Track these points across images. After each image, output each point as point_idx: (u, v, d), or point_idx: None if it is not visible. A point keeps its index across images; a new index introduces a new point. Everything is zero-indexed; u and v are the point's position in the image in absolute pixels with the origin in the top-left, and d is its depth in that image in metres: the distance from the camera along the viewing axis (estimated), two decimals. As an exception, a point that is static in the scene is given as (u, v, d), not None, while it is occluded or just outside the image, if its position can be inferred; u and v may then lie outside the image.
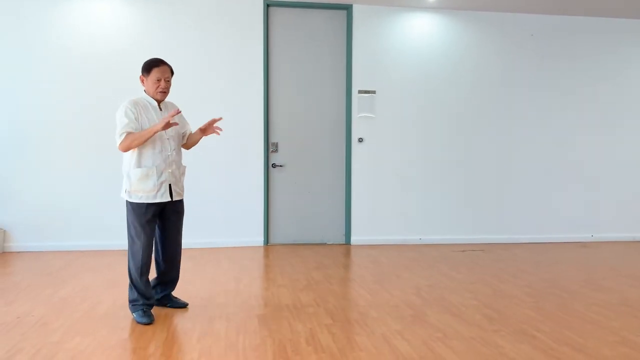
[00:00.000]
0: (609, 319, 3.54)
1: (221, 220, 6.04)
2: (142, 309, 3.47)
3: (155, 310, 3.65)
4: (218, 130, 3.73)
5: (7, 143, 5.71)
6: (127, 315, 3.55)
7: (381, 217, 6.33)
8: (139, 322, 3.42)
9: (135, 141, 3.39)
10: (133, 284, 3.53)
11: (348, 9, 6.23)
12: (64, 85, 5.76)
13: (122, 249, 5.47)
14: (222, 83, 6.01)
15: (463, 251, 5.93)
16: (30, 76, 5.71)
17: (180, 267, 3.87)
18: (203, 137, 3.80)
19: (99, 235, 5.80)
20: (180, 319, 3.50)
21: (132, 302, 3.52)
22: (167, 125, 3.36)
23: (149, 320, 3.42)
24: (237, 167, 6.06)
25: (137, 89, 5.85)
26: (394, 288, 4.31)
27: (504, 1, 6.08)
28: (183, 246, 5.80)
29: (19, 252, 5.69)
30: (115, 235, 5.65)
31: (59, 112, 5.75)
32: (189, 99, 5.88)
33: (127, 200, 3.52)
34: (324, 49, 6.28)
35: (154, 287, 3.77)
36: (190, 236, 5.95)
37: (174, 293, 3.93)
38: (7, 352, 2.90)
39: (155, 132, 3.38)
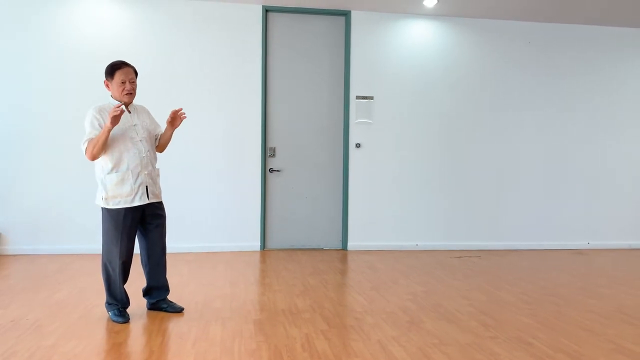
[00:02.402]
0: (604, 327, 3.55)
1: (218, 225, 6.03)
2: (118, 309, 3.54)
3: (150, 315, 3.65)
4: (183, 116, 3.70)
5: (2, 146, 5.70)
6: (122, 319, 3.55)
7: (378, 222, 6.33)
8: (114, 321, 3.48)
9: (95, 147, 3.34)
10: (110, 291, 3.54)
11: (346, 15, 6.25)
12: (60, 87, 5.76)
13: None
14: (220, 87, 6.01)
15: (459, 257, 5.94)
16: (26, 78, 5.71)
17: (169, 271, 3.86)
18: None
19: (94, 239, 5.78)
20: (175, 323, 3.49)
21: (110, 303, 3.57)
22: (114, 118, 3.26)
23: (124, 320, 3.48)
24: (234, 171, 6.06)
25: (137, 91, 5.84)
26: (390, 294, 4.30)
27: (502, 9, 6.11)
28: (180, 250, 5.87)
29: (14, 255, 5.67)
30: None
31: (55, 115, 5.75)
32: (187, 103, 5.89)
33: (103, 208, 3.49)
34: (322, 55, 6.30)
35: (146, 293, 3.78)
36: (187, 240, 5.96)
37: (170, 298, 3.93)
38: (0, 355, 2.89)
39: (108, 131, 3.31)
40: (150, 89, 5.74)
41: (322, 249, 6.30)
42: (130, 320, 3.51)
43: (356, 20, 6.23)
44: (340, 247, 6.37)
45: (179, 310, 3.75)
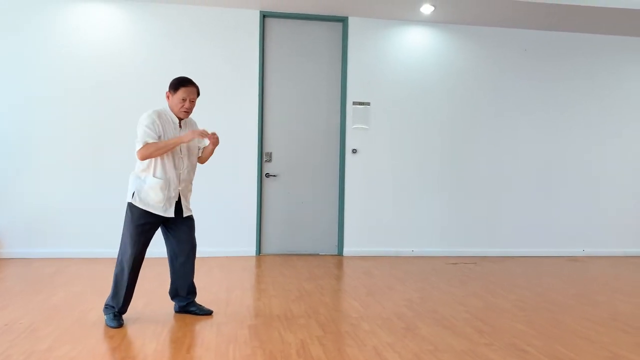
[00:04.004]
0: (599, 334, 3.55)
1: (213, 230, 6.02)
2: (114, 313, 3.53)
3: (145, 319, 3.64)
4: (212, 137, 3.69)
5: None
6: (117, 324, 3.54)
7: (374, 228, 6.33)
8: (107, 325, 3.47)
9: (159, 150, 3.44)
10: (116, 292, 3.54)
11: (344, 21, 6.27)
12: (56, 91, 5.75)
13: (114, 257, 5.42)
14: (217, 92, 6.01)
15: (455, 264, 5.94)
16: (25, 81, 5.70)
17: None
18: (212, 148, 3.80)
19: (90, 243, 5.77)
20: (170, 329, 3.48)
21: (107, 306, 3.56)
22: (202, 135, 3.51)
23: (117, 324, 3.46)
24: (231, 176, 6.06)
25: (133, 94, 5.88)
26: (386, 300, 4.30)
27: (498, 16, 6.14)
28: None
29: (9, 258, 5.65)
30: (107, 243, 5.60)
31: (53, 118, 5.74)
32: (184, 107, 5.90)
33: (130, 204, 3.51)
34: (320, 61, 6.31)
35: (175, 295, 3.80)
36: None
37: (164, 302, 3.91)
38: (-5, 360, 2.88)
39: (180, 143, 3.47)
40: (147, 93, 5.74)
41: (318, 255, 6.29)
42: (123, 325, 3.50)
43: (353, 27, 6.25)
44: (336, 252, 6.36)
45: (208, 313, 3.77)
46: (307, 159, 6.30)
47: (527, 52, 6.59)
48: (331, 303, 4.19)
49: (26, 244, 5.71)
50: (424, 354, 3.10)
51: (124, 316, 3.62)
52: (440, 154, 6.46)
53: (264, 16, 6.14)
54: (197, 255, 5.84)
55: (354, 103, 6.28)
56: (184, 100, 3.55)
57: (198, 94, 3.66)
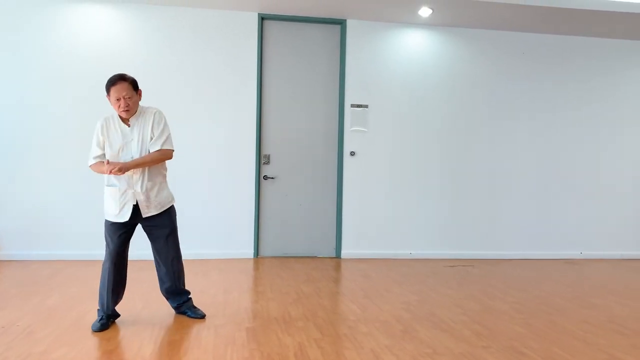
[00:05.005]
0: (597, 336, 3.56)
1: (211, 232, 6.02)
2: (100, 317, 3.54)
3: (142, 321, 3.64)
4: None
5: (-3, 150, 5.68)
6: (114, 326, 3.53)
7: (372, 231, 6.33)
8: (92, 327, 3.47)
9: (98, 172, 3.54)
10: (99, 292, 3.58)
11: (342, 23, 6.28)
12: (53, 94, 5.74)
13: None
14: (215, 94, 6.02)
15: (453, 266, 5.94)
16: (23, 83, 5.69)
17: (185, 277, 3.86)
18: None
19: (88, 245, 5.75)
20: (167, 331, 3.47)
21: (98, 308, 3.60)
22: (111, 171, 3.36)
23: (97, 329, 3.42)
24: (229, 178, 6.06)
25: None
26: (384, 303, 4.30)
27: (496, 19, 6.16)
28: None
29: (6, 260, 5.63)
30: (104, 245, 5.58)
31: (50, 119, 5.73)
32: (183, 109, 5.89)
33: None
34: (318, 63, 6.32)
35: (167, 298, 3.83)
36: (180, 247, 5.92)
37: (162, 304, 3.91)
38: (-9, 362, 2.87)
39: (106, 172, 3.42)
40: (146, 94, 5.70)
41: (315, 257, 6.29)
42: (102, 330, 3.44)
43: (351, 29, 6.26)
44: (334, 255, 6.36)
45: (201, 316, 3.76)
46: (305, 162, 6.30)
47: (525, 55, 6.60)
48: (329, 306, 4.19)
49: (23, 246, 5.70)
50: (422, 357, 3.09)
51: (121, 319, 3.63)
52: (438, 156, 6.47)
53: (262, 18, 6.14)
54: (195, 257, 5.91)
55: (352, 105, 6.28)
56: (118, 100, 3.47)
57: (135, 87, 3.54)
